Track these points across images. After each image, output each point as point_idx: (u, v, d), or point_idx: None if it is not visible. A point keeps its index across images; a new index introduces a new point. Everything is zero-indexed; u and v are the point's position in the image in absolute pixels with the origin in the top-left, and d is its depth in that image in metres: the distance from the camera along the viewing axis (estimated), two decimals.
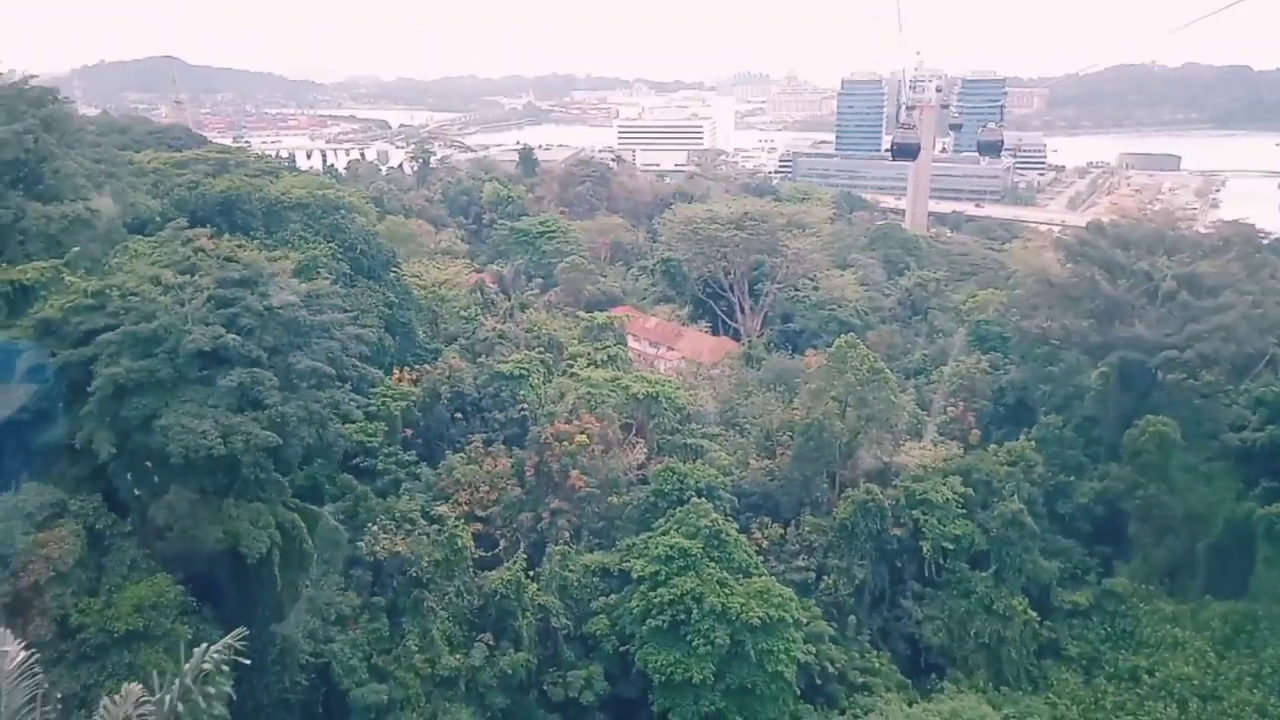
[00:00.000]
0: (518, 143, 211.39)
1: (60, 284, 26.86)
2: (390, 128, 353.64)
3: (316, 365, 26.30)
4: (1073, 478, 46.35)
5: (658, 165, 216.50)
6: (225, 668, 9.22)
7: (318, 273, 33.33)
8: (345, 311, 30.66)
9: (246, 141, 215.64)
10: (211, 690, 9.07)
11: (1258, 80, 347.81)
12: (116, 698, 9.61)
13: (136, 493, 24.94)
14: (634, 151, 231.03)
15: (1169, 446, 43.12)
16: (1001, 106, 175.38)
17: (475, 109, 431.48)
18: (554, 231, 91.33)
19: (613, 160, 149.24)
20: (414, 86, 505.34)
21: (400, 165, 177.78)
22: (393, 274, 48.99)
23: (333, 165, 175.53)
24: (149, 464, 24.45)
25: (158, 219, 36.44)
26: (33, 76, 40.49)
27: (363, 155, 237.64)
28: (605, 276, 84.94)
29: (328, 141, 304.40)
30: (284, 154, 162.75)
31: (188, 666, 9.13)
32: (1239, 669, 36.34)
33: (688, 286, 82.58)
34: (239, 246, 30.01)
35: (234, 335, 24.84)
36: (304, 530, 28.20)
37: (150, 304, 24.83)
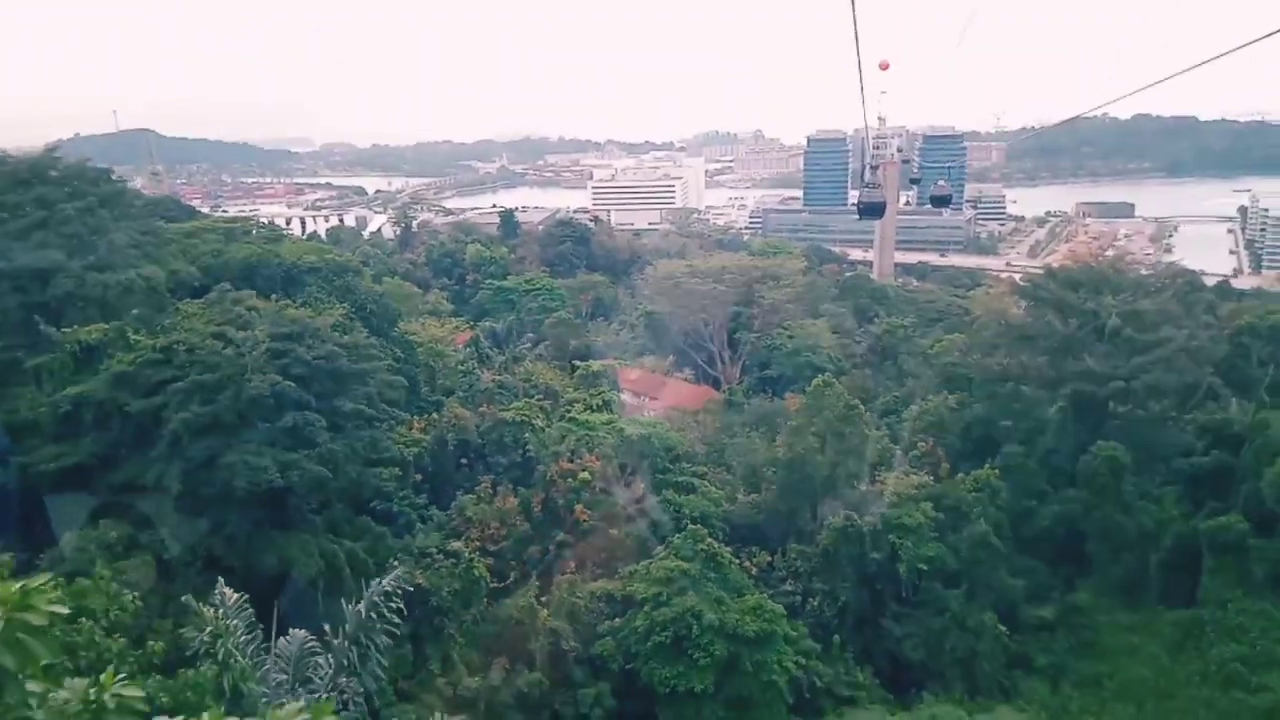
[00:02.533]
0: (494, 206, 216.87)
1: (122, 342, 30.08)
2: (367, 194, 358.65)
3: (359, 408, 29.71)
4: (1035, 503, 49.92)
5: (632, 224, 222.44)
6: (398, 590, 12.53)
7: (353, 327, 36.77)
8: (378, 360, 34.16)
9: (224, 210, 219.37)
10: (391, 604, 12.30)
11: (1204, 130, 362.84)
12: (287, 638, 12.86)
13: (197, 525, 27.91)
14: (609, 211, 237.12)
15: (1120, 469, 46.96)
16: (952, 164, 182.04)
17: (450, 174, 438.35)
18: (539, 289, 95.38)
19: (590, 220, 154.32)
20: (389, 153, 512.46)
21: (379, 230, 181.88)
22: (397, 331, 52.38)
23: (314, 232, 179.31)
24: (209, 499, 27.48)
25: (195, 284, 39.91)
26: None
27: (341, 221, 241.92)
28: (589, 331, 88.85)
29: (305, 209, 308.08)
30: (263, 222, 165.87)
31: (372, 589, 12.42)
32: (1189, 669, 39.75)
33: (669, 338, 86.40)
34: (286, 305, 33.44)
35: (288, 382, 28.18)
36: (343, 560, 31.18)
37: (214, 356, 28.15)
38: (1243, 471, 46.31)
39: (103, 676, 5.02)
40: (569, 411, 50.12)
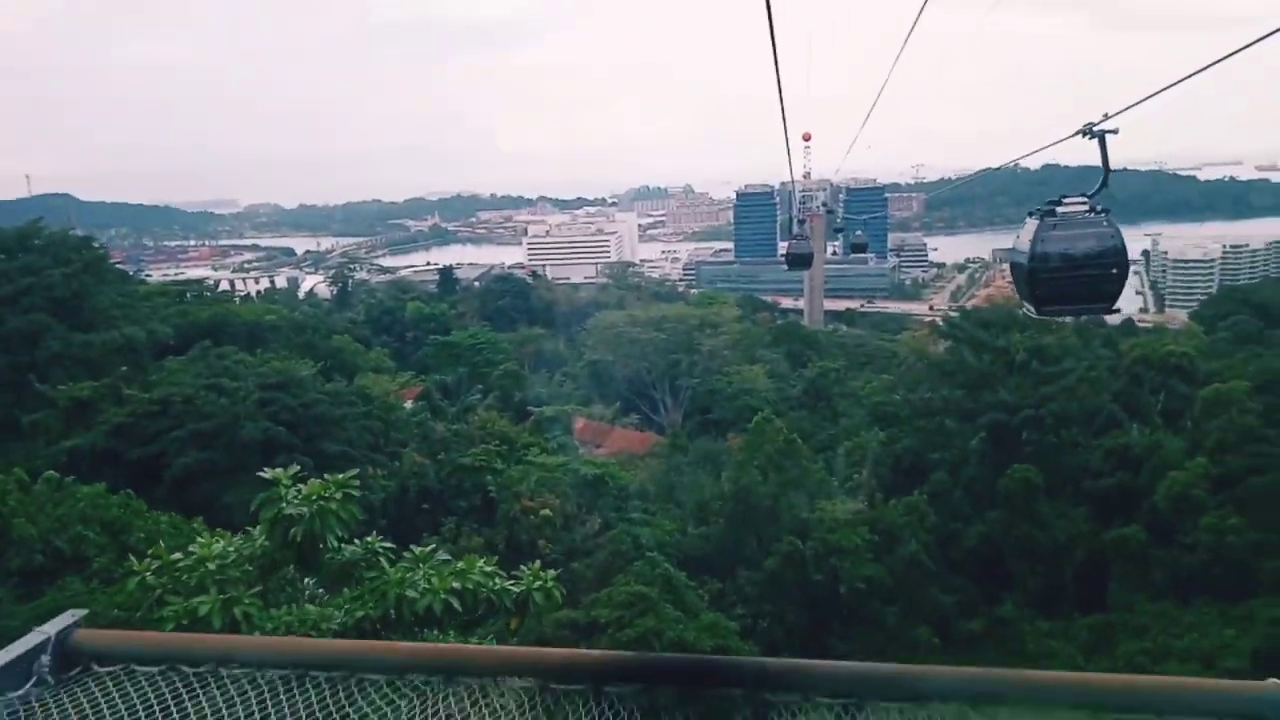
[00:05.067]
0: (428, 263, 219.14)
1: (114, 397, 31.97)
2: (295, 254, 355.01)
3: (344, 449, 32.06)
4: (961, 525, 54.05)
5: (568, 278, 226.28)
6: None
7: (330, 378, 39.08)
8: (355, 408, 36.55)
9: (148, 274, 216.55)
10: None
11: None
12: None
13: None
14: (545, 266, 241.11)
15: (1034, 489, 51.43)
16: (873, 215, 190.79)
17: (381, 232, 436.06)
18: (483, 344, 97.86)
19: (529, 275, 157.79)
20: (317, 213, 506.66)
21: (313, 290, 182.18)
22: (356, 385, 54.53)
23: (247, 294, 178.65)
24: None
25: (169, 342, 41.76)
26: None
27: (273, 283, 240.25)
28: (533, 382, 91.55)
29: (233, 270, 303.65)
30: (210, 285, 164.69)
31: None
32: (1100, 666, 43.45)
33: (612, 387, 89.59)
34: (270, 359, 35.65)
35: (279, 427, 30.48)
36: None
37: (209, 406, 30.32)
38: (1142, 489, 51.32)
39: (369, 539, 8.15)
40: (525, 455, 52.72)
